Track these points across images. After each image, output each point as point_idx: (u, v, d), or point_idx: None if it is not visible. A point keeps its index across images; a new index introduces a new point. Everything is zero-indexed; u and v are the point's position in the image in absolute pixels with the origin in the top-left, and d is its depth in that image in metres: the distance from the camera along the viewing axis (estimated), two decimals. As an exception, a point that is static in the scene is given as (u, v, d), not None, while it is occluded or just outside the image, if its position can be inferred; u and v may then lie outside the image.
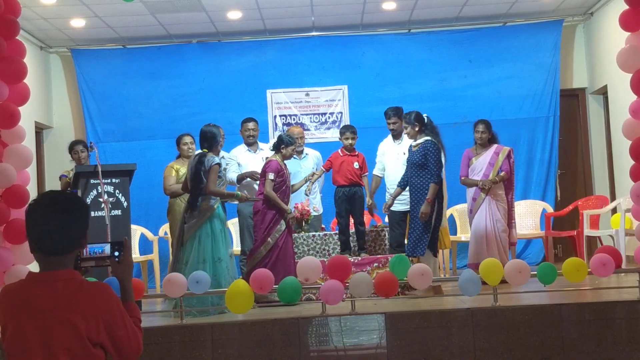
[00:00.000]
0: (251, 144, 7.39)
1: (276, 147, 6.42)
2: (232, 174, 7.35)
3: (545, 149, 9.24)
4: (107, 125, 9.31)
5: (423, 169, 6.28)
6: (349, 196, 6.78)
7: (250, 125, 7.38)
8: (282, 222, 6.26)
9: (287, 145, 6.38)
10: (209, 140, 6.12)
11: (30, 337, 2.29)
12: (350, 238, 6.83)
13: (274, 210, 6.25)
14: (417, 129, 6.38)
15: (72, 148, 7.32)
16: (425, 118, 6.45)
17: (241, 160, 7.37)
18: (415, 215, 6.31)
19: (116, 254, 2.55)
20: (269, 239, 6.20)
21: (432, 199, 6.20)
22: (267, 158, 6.68)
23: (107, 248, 2.56)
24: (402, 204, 6.81)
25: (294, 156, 7.47)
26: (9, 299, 2.38)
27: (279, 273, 5.74)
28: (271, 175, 6.24)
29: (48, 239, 2.35)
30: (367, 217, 8.28)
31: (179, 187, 6.65)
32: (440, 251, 7.72)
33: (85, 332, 2.29)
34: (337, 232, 6.88)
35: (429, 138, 6.33)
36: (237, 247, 8.01)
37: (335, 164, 6.88)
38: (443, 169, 6.39)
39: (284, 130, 9.03)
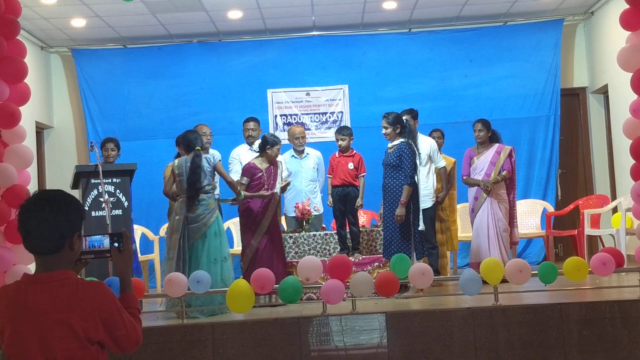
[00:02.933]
0: (252, 143, 7.39)
1: (261, 148, 6.46)
2: (234, 175, 7.35)
3: (545, 148, 9.23)
4: (107, 125, 9.30)
5: (397, 171, 6.26)
6: (342, 196, 6.79)
7: (250, 125, 7.38)
8: (263, 224, 6.29)
9: (272, 145, 6.40)
10: (186, 143, 6.17)
11: (28, 338, 2.29)
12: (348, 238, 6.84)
13: (255, 212, 6.34)
14: (397, 131, 6.36)
15: (103, 145, 7.30)
16: (405, 120, 6.44)
17: (244, 160, 7.37)
18: (388, 217, 6.29)
19: (116, 244, 2.57)
20: (252, 241, 6.31)
21: (405, 201, 6.16)
22: None
23: (106, 241, 2.57)
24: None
25: (295, 155, 7.50)
26: (5, 301, 2.37)
27: None
28: (244, 180, 6.37)
29: (28, 238, 2.35)
30: (368, 217, 8.29)
31: None
32: (449, 252, 7.73)
33: (83, 332, 2.29)
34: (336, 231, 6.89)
35: (404, 140, 6.32)
36: (238, 247, 8.01)
37: (332, 165, 6.93)
38: (417, 172, 6.35)
39: (284, 130, 9.04)
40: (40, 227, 2.33)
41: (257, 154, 6.85)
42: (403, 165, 6.21)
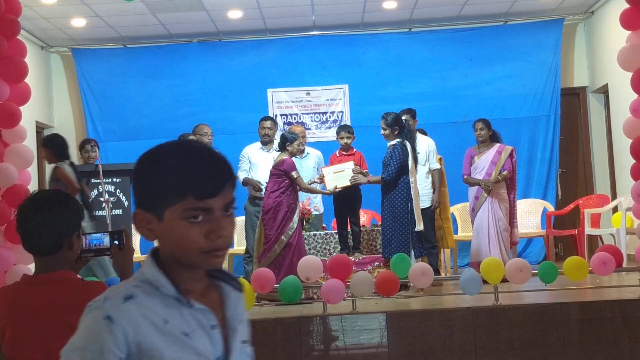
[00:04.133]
0: (266, 142, 7.38)
1: (282, 146, 6.44)
2: (242, 173, 7.34)
3: (546, 148, 9.23)
4: (108, 125, 9.30)
5: (388, 169, 6.30)
6: (343, 196, 6.78)
7: (267, 124, 7.38)
8: (295, 219, 6.28)
9: (291, 142, 6.40)
10: (63, 149, 6.20)
11: (29, 339, 2.29)
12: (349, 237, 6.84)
13: (286, 207, 6.28)
14: (396, 132, 6.36)
15: (82, 146, 7.30)
16: (404, 121, 6.44)
17: (253, 158, 7.37)
18: (387, 216, 6.30)
19: (116, 242, 2.55)
20: (282, 236, 6.22)
21: (370, 180, 6.46)
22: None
23: (106, 239, 2.56)
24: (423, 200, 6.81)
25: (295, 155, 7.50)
26: (6, 302, 2.37)
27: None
28: (295, 174, 6.31)
29: (27, 238, 2.35)
30: (368, 216, 8.29)
31: None
32: (442, 250, 7.72)
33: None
34: (337, 231, 6.89)
35: (399, 140, 6.33)
36: (240, 246, 8.01)
37: (333, 164, 6.92)
38: (409, 172, 6.33)
39: (285, 129, 9.04)
40: (39, 227, 2.32)
41: (265, 151, 6.83)
42: (390, 162, 6.24)
